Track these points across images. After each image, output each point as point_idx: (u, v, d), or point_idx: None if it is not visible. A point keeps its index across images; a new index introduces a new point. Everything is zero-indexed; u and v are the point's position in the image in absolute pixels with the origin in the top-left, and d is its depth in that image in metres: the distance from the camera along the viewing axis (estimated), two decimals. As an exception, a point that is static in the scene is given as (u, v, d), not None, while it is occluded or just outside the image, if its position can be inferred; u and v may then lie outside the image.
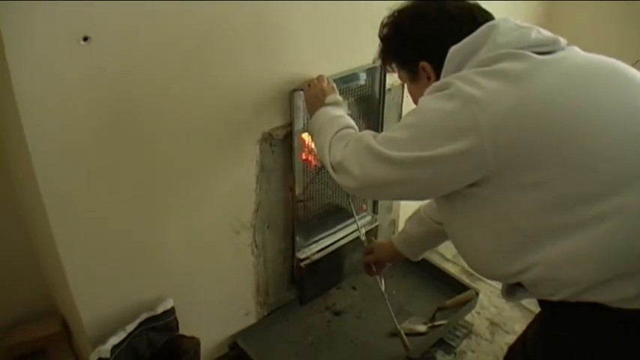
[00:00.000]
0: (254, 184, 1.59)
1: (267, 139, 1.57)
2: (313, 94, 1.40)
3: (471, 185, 0.97)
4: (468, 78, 0.96)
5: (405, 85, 1.32)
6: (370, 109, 1.79)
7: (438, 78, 1.07)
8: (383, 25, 1.19)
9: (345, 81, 1.65)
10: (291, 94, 1.53)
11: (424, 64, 1.11)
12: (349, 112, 1.40)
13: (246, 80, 1.43)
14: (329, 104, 1.35)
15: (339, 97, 1.39)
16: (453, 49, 1.03)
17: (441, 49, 1.05)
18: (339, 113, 1.30)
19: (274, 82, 1.49)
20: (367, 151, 1.04)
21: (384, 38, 1.19)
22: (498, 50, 0.99)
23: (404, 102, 1.94)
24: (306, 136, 1.59)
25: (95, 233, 1.34)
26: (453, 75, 0.99)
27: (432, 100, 0.98)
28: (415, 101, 1.14)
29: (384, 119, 1.85)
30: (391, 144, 1.01)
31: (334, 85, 1.46)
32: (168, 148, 1.37)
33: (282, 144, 1.61)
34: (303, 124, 1.58)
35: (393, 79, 1.84)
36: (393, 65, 1.20)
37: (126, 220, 1.38)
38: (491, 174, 0.93)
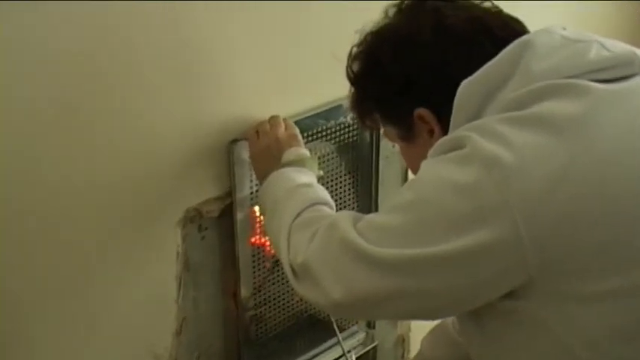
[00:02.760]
0: (174, 291, 1.29)
1: (193, 219, 1.28)
2: (263, 147, 1.16)
3: (506, 296, 0.81)
4: (490, 130, 0.80)
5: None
6: (357, 167, 1.46)
7: (445, 131, 0.89)
8: (351, 58, 0.98)
9: (316, 121, 1.36)
10: (229, 146, 1.24)
11: (421, 111, 0.92)
12: (321, 175, 1.17)
13: (157, 129, 1.17)
14: (287, 164, 1.12)
15: (305, 152, 1.15)
16: (464, 85, 0.85)
17: (446, 87, 0.87)
18: (304, 180, 1.08)
19: (204, 129, 1.23)
20: (344, 248, 0.86)
21: (355, 78, 0.99)
22: (536, 83, 0.82)
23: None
24: (257, 209, 1.32)
25: None
26: (468, 125, 0.83)
27: (439, 167, 0.83)
28: (413, 168, 0.97)
29: (380, 183, 1.53)
30: (380, 236, 0.84)
31: (297, 131, 1.19)
32: (39, 248, 1.12)
33: (217, 225, 1.32)
34: (252, 192, 1.26)
35: None
36: (376, 118, 1.00)
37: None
38: (535, 279, 0.78)
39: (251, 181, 1.28)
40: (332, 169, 1.44)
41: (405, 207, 0.84)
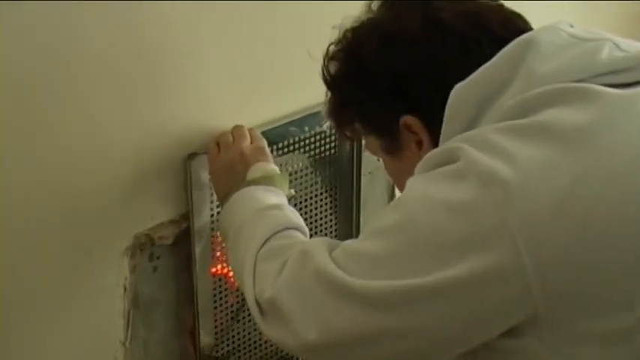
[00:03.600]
0: (121, 332, 1.23)
1: (143, 246, 1.22)
2: (225, 162, 1.13)
3: (507, 334, 0.79)
4: (487, 141, 0.79)
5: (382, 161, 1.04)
6: (336, 185, 1.46)
7: (435, 143, 0.87)
8: (328, 58, 0.95)
9: (287, 131, 1.32)
10: (187, 161, 1.19)
11: (409, 119, 0.89)
12: (292, 194, 1.14)
13: (101, 140, 1.12)
14: (253, 182, 1.09)
15: (273, 167, 1.13)
16: (457, 89, 0.83)
17: (437, 92, 0.85)
18: (273, 201, 1.05)
19: (156, 140, 1.18)
20: (319, 281, 0.84)
21: (332, 81, 0.95)
22: (540, 87, 0.81)
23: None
24: (219, 233, 1.24)
25: None
26: (462, 136, 0.82)
27: (428, 184, 0.81)
28: (400, 186, 0.94)
29: (362, 204, 1.47)
30: (362, 265, 0.82)
31: (264, 143, 1.17)
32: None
33: (172, 254, 1.25)
34: (212, 214, 1.25)
35: None
36: (356, 127, 0.96)
37: None
38: (542, 314, 0.76)
39: (212, 202, 1.22)
40: (306, 187, 1.39)
41: (390, 231, 0.82)
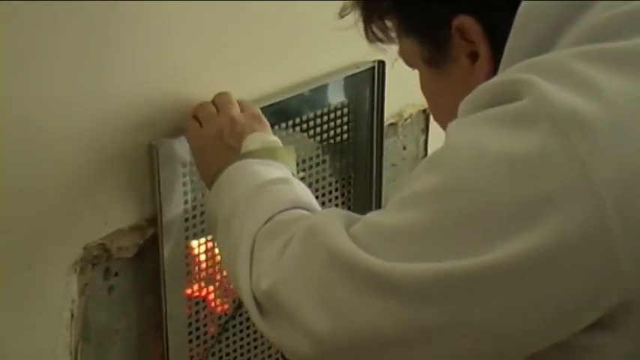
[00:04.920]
0: None
1: (96, 261, 1.07)
2: (212, 134, 1.02)
3: (591, 328, 0.70)
4: (564, 70, 0.70)
5: (426, 95, 0.92)
6: (351, 178, 1.35)
7: (496, 58, 0.78)
8: None
9: (289, 109, 1.20)
10: (152, 149, 1.06)
11: (464, 20, 0.78)
12: (301, 177, 1.03)
13: (40, 123, 0.97)
14: (251, 154, 0.99)
15: (275, 139, 1.03)
16: None
17: None
18: (276, 174, 0.96)
19: (110, 122, 1.04)
20: (333, 263, 0.75)
21: None
22: (632, 3, 0.73)
23: (429, 149, 1.56)
24: (196, 243, 1.15)
25: None
26: (530, 62, 0.73)
27: (480, 131, 0.71)
28: (439, 113, 0.88)
29: (383, 203, 1.36)
30: (390, 242, 0.73)
31: (259, 111, 1.05)
32: None
33: (134, 270, 1.11)
34: (187, 218, 1.11)
35: (403, 97, 1.42)
36: (389, 24, 0.86)
37: None
38: (634, 297, 0.68)
39: (186, 202, 1.08)
40: (315, 181, 1.26)
41: (429, 197, 0.73)
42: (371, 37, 0.90)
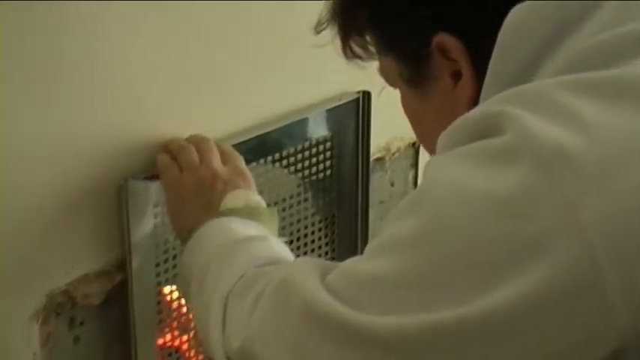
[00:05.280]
0: None
1: (60, 309, 1.02)
2: (191, 185, 1.01)
3: None
4: (548, 101, 0.67)
5: (410, 115, 0.89)
6: (335, 217, 1.32)
7: (478, 81, 0.75)
8: None
9: (267, 144, 1.17)
10: (122, 189, 1.02)
11: (445, 39, 0.76)
12: (285, 241, 1.00)
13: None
14: (230, 211, 0.98)
15: (259, 198, 1.01)
16: (519, 8, 0.72)
17: (492, 7, 0.74)
18: (252, 232, 0.94)
19: (79, 160, 1.00)
20: (308, 317, 0.73)
21: None
22: (624, 25, 0.70)
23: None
24: (169, 289, 1.11)
25: None
26: (510, 93, 0.69)
27: (460, 169, 0.69)
28: (420, 135, 0.87)
29: (370, 229, 1.36)
30: (368, 293, 0.70)
31: (243, 164, 1.03)
32: None
33: (101, 318, 1.06)
34: (158, 263, 1.08)
35: (390, 130, 1.40)
36: (369, 40, 0.84)
37: None
38: (630, 341, 0.63)
39: (157, 245, 1.05)
40: (296, 221, 1.22)
41: (408, 243, 0.70)
42: (349, 54, 0.88)
